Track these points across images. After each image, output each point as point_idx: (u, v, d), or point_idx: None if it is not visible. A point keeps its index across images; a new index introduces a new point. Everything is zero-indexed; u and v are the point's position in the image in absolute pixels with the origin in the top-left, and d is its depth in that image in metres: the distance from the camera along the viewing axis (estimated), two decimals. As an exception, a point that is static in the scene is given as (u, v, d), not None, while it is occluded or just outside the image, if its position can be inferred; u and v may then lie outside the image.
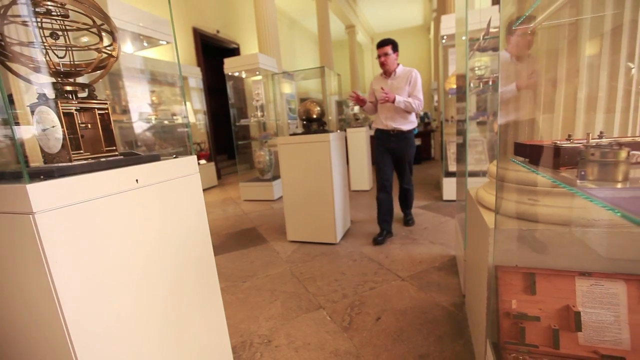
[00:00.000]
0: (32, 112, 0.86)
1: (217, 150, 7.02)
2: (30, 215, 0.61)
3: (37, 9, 0.81)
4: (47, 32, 0.83)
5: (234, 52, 7.60)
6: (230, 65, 4.31)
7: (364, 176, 4.46)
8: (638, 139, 0.64)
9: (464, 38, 1.99)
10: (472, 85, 2.70)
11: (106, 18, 0.94)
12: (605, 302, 0.81)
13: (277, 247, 2.65)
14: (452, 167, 3.62)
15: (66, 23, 0.87)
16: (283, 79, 5.23)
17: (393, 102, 2.35)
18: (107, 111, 0.94)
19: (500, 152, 1.10)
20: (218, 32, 7.07)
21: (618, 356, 0.79)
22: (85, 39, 0.99)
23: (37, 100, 0.86)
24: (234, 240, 2.90)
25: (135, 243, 0.82)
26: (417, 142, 6.63)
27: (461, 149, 3.02)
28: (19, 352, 0.76)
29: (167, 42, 2.78)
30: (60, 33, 0.86)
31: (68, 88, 0.87)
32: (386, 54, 2.42)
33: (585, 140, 0.60)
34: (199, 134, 6.18)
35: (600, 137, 0.62)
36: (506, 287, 0.90)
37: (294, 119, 5.18)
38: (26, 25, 0.84)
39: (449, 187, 3.42)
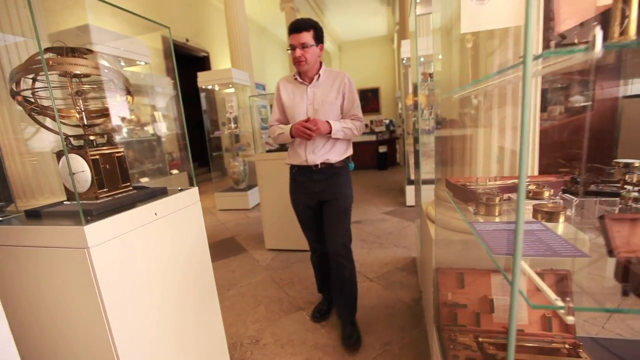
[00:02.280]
0: (58, 158, 1.03)
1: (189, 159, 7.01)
2: (85, 249, 0.80)
3: (65, 74, 0.98)
4: (73, 87, 1.00)
5: (204, 60, 7.63)
6: (203, 79, 4.43)
7: (334, 184, 4.75)
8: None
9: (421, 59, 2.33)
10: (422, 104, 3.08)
11: (121, 76, 1.13)
12: (509, 290, 1.13)
13: (256, 255, 2.85)
14: (414, 176, 4.01)
15: (89, 82, 1.05)
16: (255, 89, 5.40)
17: (329, 133, 1.49)
18: (122, 153, 1.13)
19: (441, 177, 1.41)
20: (187, 40, 7.07)
21: (519, 329, 1.11)
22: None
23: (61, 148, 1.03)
24: (214, 251, 3.05)
25: (154, 264, 1.02)
26: (383, 149, 7.02)
27: (417, 161, 3.41)
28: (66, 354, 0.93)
29: (146, 63, 2.89)
30: (85, 89, 1.04)
31: (92, 137, 1.05)
32: (304, 45, 1.42)
33: (484, 183, 0.89)
34: (169, 142, 6.17)
35: (495, 179, 0.92)
36: (444, 284, 1.20)
37: (266, 128, 5.38)
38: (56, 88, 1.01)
39: (411, 194, 3.80)
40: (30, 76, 0.98)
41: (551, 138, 1.38)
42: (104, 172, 1.05)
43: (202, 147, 5.29)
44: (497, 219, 0.77)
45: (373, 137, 7.29)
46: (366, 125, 8.02)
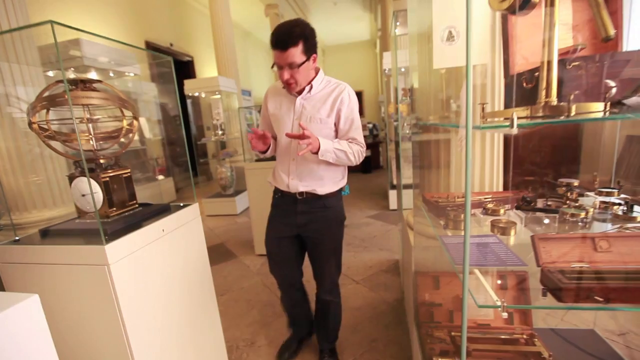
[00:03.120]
0: (70, 180, 1.12)
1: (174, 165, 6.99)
2: (106, 266, 0.90)
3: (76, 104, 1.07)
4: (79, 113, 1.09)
5: (188, 64, 7.61)
6: (190, 87, 4.48)
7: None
8: (483, 197, 1.11)
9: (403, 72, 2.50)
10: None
11: (127, 103, 1.23)
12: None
13: (246, 261, 2.94)
14: (396, 181, 4.20)
15: (99, 111, 1.15)
16: (242, 95, 5.48)
17: (316, 152, 1.19)
18: (129, 174, 1.22)
19: (419, 189, 1.57)
20: (171, 45, 7.05)
21: (486, 323, 1.27)
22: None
23: (74, 171, 1.12)
24: (204, 257, 3.13)
25: (162, 276, 1.12)
26: (367, 152, 7.20)
27: (398, 167, 3.60)
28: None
29: (135, 74, 2.94)
30: (96, 117, 1.13)
31: (102, 161, 1.14)
32: (291, 65, 1.15)
33: (453, 199, 1.05)
34: (155, 148, 6.15)
35: (461, 196, 1.07)
36: (422, 285, 1.35)
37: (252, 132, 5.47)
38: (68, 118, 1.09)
39: (394, 199, 3.98)
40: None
41: (515, 155, 1.56)
42: (114, 192, 1.14)
43: (190, 153, 5.32)
44: (462, 233, 0.92)
45: (357, 142, 7.45)
46: (350, 130, 8.16)
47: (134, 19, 5.79)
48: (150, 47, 6.41)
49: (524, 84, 0.91)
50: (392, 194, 4.01)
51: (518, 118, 0.75)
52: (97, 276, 0.91)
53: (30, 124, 1.03)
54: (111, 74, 2.92)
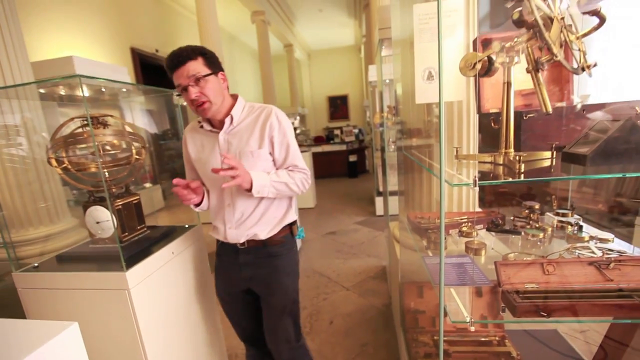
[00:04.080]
0: (84, 209, 1.20)
1: (160, 171, 6.96)
2: (126, 290, 1.00)
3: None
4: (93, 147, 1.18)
5: (174, 70, 7.59)
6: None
7: (309, 194, 5.01)
8: (459, 218, 1.26)
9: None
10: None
11: (136, 135, 1.32)
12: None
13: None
14: (382, 188, 4.38)
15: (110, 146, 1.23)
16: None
17: (249, 189, 1.04)
18: (138, 200, 1.31)
19: (406, 205, 1.72)
20: (157, 51, 7.02)
21: (464, 327, 1.43)
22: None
23: (87, 199, 1.21)
24: (197, 267, 3.20)
25: (172, 293, 1.22)
26: (353, 158, 7.38)
27: (384, 174, 3.78)
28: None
29: (126, 90, 2.98)
30: (107, 148, 1.22)
31: (114, 189, 1.23)
32: (197, 79, 1.00)
33: (434, 220, 1.20)
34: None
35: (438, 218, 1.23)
36: (407, 294, 1.50)
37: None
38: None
39: (381, 205, 4.15)
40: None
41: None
42: (126, 218, 1.23)
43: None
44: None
45: (344, 147, 7.65)
46: (337, 135, 8.36)
47: (119, 25, 5.76)
48: (136, 53, 6.38)
49: (492, 124, 1.07)
50: (379, 201, 4.18)
51: (484, 162, 0.90)
52: (118, 300, 1.00)
53: (49, 159, 1.11)
54: (103, 89, 2.95)
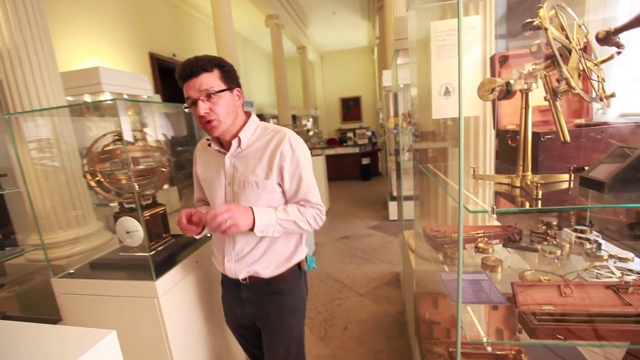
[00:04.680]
0: (115, 219, 1.27)
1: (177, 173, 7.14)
2: (155, 299, 1.06)
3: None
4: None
5: (190, 74, 7.75)
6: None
7: (322, 197, 5.05)
8: (475, 232, 1.28)
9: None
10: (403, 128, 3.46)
11: (162, 150, 1.38)
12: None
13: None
14: (395, 192, 4.37)
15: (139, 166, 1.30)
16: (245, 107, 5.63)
17: (251, 228, 0.93)
18: (164, 210, 1.38)
19: (421, 214, 1.73)
20: (174, 55, 7.20)
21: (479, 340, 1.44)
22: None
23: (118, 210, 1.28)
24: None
25: (194, 299, 1.28)
26: (366, 160, 7.38)
27: (398, 178, 3.78)
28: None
29: (147, 97, 3.09)
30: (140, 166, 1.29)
31: (143, 202, 1.30)
32: (209, 94, 0.92)
33: (450, 235, 1.21)
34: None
35: (456, 232, 1.24)
36: (422, 304, 1.52)
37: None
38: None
39: (394, 209, 4.15)
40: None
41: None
42: (153, 228, 1.30)
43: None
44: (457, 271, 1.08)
45: (356, 150, 7.65)
46: (349, 138, 8.37)
47: (139, 31, 5.93)
48: (154, 58, 6.56)
49: (509, 142, 1.08)
50: (392, 205, 4.19)
51: (500, 184, 0.92)
52: (148, 308, 1.07)
53: (84, 173, 1.18)
54: (125, 95, 3.07)
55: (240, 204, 0.96)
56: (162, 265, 1.17)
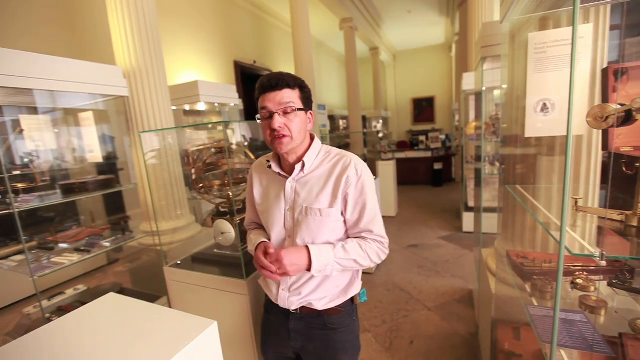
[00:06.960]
0: (212, 221, 1.46)
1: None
2: (245, 295, 1.20)
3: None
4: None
5: (268, 78, 8.30)
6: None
7: (390, 203, 4.96)
8: (572, 264, 1.14)
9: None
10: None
11: (251, 158, 1.54)
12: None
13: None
14: (471, 202, 4.09)
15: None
16: (317, 110, 5.85)
17: (308, 268, 0.91)
18: (251, 215, 1.53)
19: (504, 236, 1.62)
20: (255, 62, 7.79)
21: (570, 382, 1.30)
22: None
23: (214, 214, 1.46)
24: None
25: (276, 301, 1.41)
26: (438, 165, 7.00)
27: (477, 187, 3.51)
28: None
29: (234, 104, 3.44)
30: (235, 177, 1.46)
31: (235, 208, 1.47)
32: (287, 110, 0.91)
33: (540, 264, 1.11)
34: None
35: (550, 261, 1.13)
36: (502, 333, 1.42)
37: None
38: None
39: (468, 220, 3.89)
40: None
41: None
42: (242, 231, 1.46)
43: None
44: (549, 304, 0.99)
45: (428, 154, 7.32)
46: (421, 142, 8.04)
47: (225, 42, 6.58)
48: (238, 65, 7.20)
49: (623, 168, 0.95)
50: (467, 216, 3.92)
51: (611, 220, 0.82)
52: (239, 303, 1.22)
53: (192, 181, 1.39)
54: (216, 104, 3.44)
55: (300, 233, 0.94)
56: (249, 265, 1.31)
